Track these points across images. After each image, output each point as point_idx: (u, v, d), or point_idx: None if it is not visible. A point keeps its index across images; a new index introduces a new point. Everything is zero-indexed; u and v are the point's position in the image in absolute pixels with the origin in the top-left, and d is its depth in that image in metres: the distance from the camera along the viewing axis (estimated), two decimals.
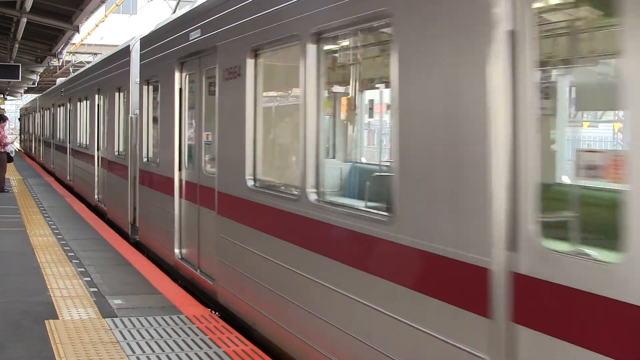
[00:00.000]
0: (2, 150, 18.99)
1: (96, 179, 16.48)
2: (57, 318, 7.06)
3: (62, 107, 24.41)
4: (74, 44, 30.60)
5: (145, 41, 11.40)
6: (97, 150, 16.35)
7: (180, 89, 9.26)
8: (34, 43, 24.83)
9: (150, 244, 10.81)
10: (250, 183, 6.81)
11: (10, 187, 20.25)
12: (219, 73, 7.55)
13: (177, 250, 9.27)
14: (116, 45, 17.92)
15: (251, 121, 6.83)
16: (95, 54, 31.75)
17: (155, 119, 11.00)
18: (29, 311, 7.29)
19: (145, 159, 11.23)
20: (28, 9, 17.44)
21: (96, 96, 16.39)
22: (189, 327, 6.85)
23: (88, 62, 27.72)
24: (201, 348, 6.25)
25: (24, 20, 18.71)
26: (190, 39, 8.63)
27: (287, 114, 7.52)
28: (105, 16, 29.90)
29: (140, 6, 37.82)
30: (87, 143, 18.10)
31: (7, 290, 8.21)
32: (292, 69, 6.18)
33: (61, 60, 28.91)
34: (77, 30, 19.84)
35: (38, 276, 8.93)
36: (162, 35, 10.23)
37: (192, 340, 6.47)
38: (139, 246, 11.52)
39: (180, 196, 9.23)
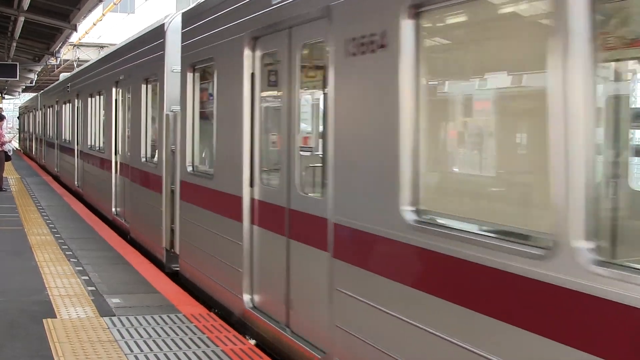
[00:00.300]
0: (0, 149, 18.98)
1: (114, 188, 13.76)
2: (55, 317, 7.06)
3: (68, 104, 21.73)
4: (72, 42, 30.56)
5: (190, 15, 8.85)
6: (115, 154, 13.69)
7: (252, 75, 6.78)
8: (32, 42, 24.81)
9: (200, 280, 8.27)
10: (409, 216, 4.34)
11: (8, 186, 20.24)
12: (336, 47, 5.17)
13: (246, 296, 6.86)
14: (114, 44, 17.78)
15: (410, 117, 4.39)
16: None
17: (206, 116, 8.66)
18: (27, 310, 7.29)
19: (189, 169, 8.61)
20: (26, 8, 17.43)
21: (113, 90, 13.76)
22: (186, 326, 6.85)
23: (86, 61, 27.48)
24: (199, 347, 6.26)
25: (22, 19, 18.70)
26: (274, 3, 6.27)
27: (500, 106, 4.37)
28: (103, 15, 29.91)
29: (138, 5, 37.84)
30: (101, 145, 15.48)
31: (5, 289, 8.21)
32: (513, 31, 4.05)
33: (59, 59, 28.87)
34: (74, 29, 19.82)
35: (36, 275, 8.93)
36: (219, 5, 7.67)
37: (190, 338, 6.48)
38: (177, 278, 9.11)
39: (253, 222, 6.80)
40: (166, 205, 9.92)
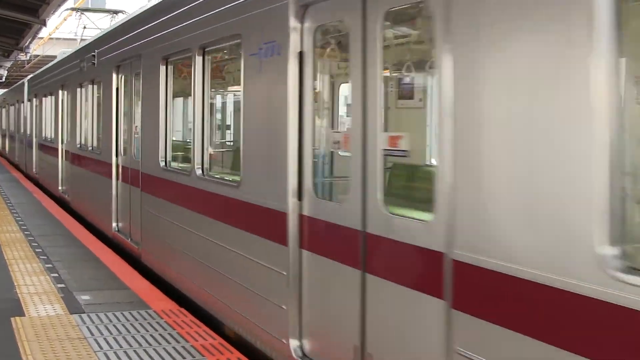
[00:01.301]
0: None
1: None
2: (23, 315, 6.99)
3: (89, 88, 14.04)
4: (41, 38, 30.16)
5: None
6: (296, 198, 5.38)
7: None
8: (0, 37, 24.50)
9: None
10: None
11: None
12: None
13: None
14: (87, 39, 17.01)
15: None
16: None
17: None
18: None
19: None
20: None
21: (291, 40, 5.33)
22: (157, 322, 6.82)
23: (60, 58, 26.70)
24: (169, 343, 6.23)
25: None
26: None
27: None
28: (73, 10, 29.51)
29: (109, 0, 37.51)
30: (210, 167, 7.56)
31: None
32: None
33: (29, 55, 28.49)
34: (44, 24, 19.59)
35: (5, 273, 8.83)
36: None
37: (160, 335, 6.44)
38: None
39: None
40: None
